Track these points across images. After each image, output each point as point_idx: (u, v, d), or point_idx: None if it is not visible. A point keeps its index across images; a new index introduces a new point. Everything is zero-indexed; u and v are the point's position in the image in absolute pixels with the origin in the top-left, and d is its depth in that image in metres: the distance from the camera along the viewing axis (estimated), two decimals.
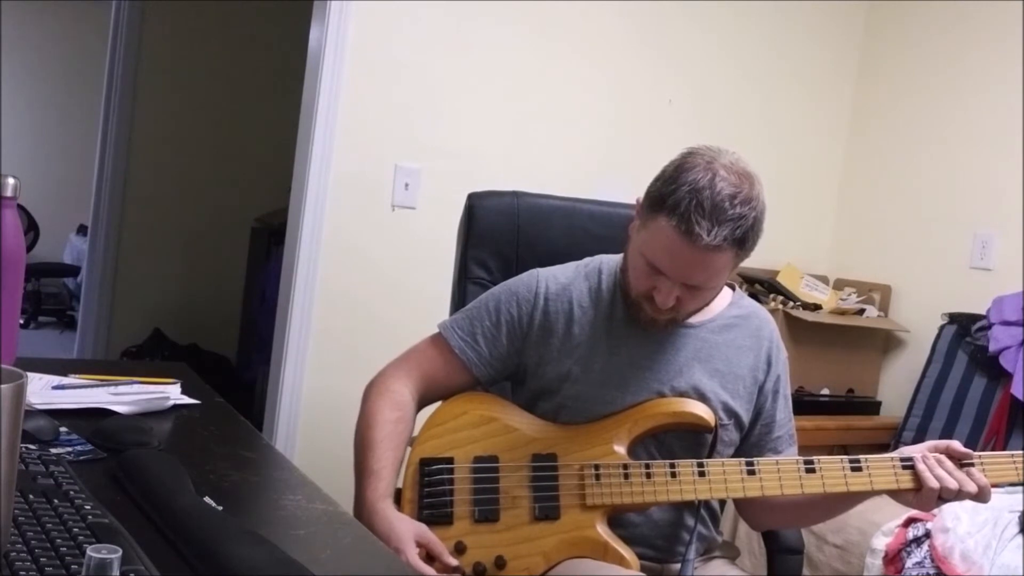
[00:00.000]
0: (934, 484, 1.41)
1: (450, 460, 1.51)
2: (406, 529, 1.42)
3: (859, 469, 1.45)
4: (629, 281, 1.51)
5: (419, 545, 1.41)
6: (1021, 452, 1.46)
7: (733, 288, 1.67)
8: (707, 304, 1.56)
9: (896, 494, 1.47)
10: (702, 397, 1.53)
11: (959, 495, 1.41)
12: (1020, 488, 2.37)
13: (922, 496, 1.43)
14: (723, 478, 1.46)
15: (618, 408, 1.52)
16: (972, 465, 1.43)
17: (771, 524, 1.70)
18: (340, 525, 1.12)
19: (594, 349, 1.55)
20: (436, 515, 1.49)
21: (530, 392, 1.59)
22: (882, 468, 1.45)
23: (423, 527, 1.45)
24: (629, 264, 1.51)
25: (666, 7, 3.18)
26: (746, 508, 1.64)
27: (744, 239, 1.42)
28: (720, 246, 1.39)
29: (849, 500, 1.54)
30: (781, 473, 1.46)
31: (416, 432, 1.59)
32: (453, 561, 1.43)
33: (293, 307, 2.72)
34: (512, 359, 1.59)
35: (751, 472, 1.46)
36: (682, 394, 1.52)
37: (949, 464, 1.43)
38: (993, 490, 1.43)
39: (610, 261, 1.62)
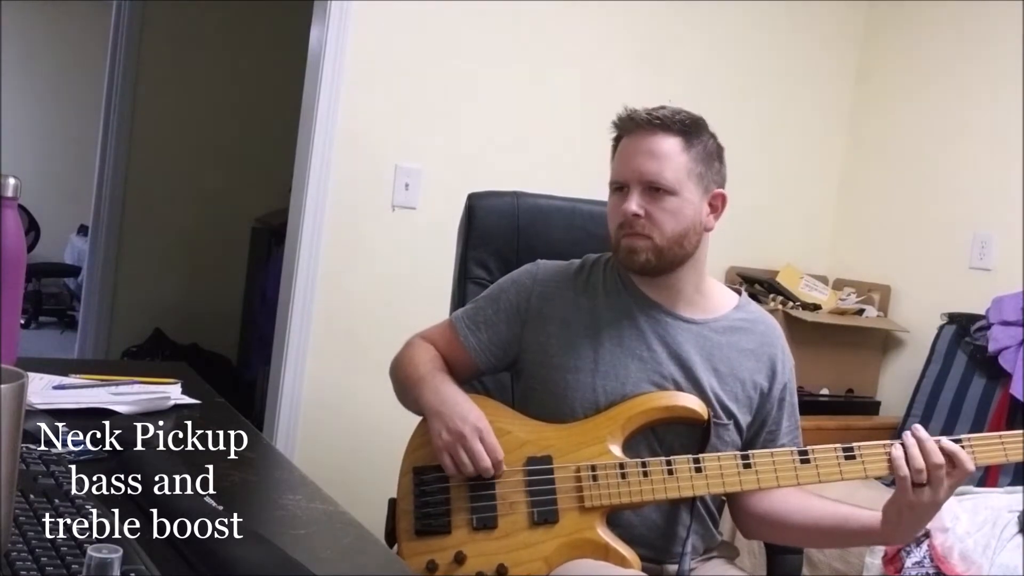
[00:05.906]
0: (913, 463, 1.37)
1: None
2: (472, 416, 1.48)
3: (852, 457, 1.45)
4: (611, 234, 1.55)
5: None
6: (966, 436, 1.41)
7: (739, 292, 1.67)
8: (681, 232, 1.50)
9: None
10: (700, 392, 1.52)
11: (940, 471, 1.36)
12: (1020, 488, 2.37)
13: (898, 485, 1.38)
14: (719, 472, 1.46)
15: (617, 399, 1.51)
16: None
17: (765, 536, 1.67)
18: (340, 525, 1.12)
19: (592, 339, 1.55)
20: (433, 525, 1.48)
21: (529, 381, 1.59)
22: (874, 454, 1.44)
23: (483, 420, 1.49)
24: (608, 223, 1.57)
25: (665, 8, 3.18)
26: (741, 515, 1.60)
27: (688, 131, 1.49)
28: (661, 124, 1.48)
29: (851, 534, 1.53)
30: (776, 465, 1.45)
31: (408, 438, 1.59)
32: (500, 454, 1.47)
33: (293, 307, 2.73)
34: (512, 346, 1.60)
35: (747, 465, 1.46)
36: (680, 388, 1.52)
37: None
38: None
39: (609, 256, 1.63)
